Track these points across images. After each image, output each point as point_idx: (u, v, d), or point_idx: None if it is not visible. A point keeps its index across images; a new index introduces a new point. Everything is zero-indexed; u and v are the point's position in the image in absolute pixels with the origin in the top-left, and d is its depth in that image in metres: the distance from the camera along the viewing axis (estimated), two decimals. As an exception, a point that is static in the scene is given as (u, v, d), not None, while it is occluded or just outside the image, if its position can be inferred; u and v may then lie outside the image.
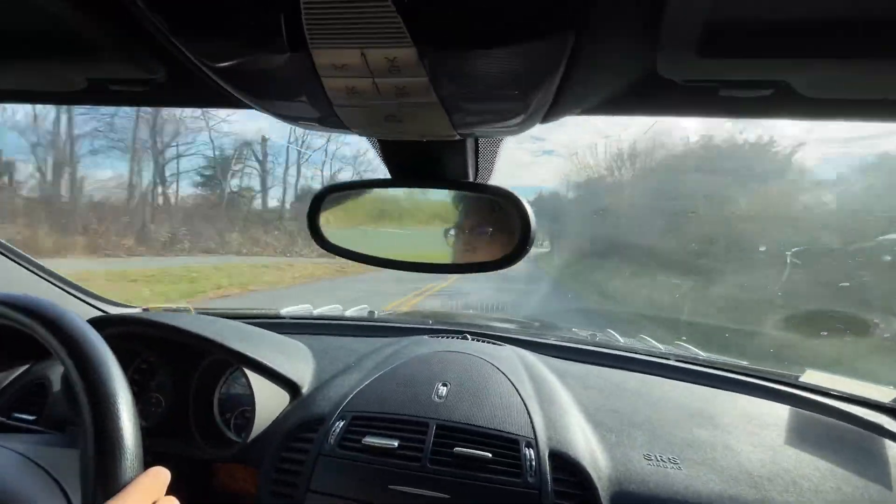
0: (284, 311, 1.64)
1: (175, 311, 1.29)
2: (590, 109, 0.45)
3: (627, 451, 0.83)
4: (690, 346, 1.46)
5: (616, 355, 1.27)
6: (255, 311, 1.59)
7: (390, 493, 0.75)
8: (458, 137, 0.46)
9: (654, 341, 1.51)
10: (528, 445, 0.79)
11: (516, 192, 0.49)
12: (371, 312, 1.73)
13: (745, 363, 1.25)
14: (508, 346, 1.24)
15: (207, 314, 1.26)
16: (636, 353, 1.29)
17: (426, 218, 0.57)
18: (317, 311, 1.70)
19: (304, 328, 1.45)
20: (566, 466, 0.77)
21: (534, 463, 0.77)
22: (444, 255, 0.55)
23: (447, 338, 1.28)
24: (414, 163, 0.54)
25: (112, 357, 0.58)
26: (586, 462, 0.78)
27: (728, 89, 0.36)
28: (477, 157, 0.54)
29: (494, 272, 0.50)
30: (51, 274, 1.06)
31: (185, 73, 0.43)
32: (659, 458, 0.81)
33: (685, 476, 0.78)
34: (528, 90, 0.35)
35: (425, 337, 1.29)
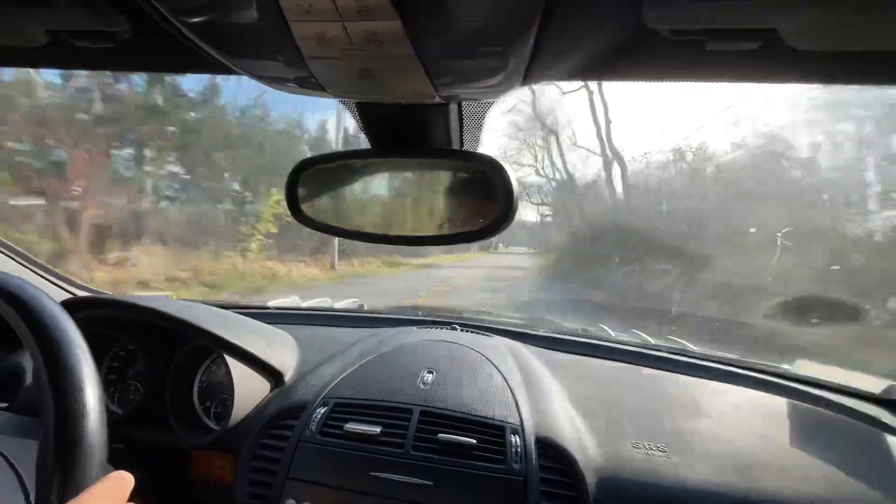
0: (272, 302, 1.62)
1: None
2: (573, 71, 0.43)
3: (616, 439, 0.81)
4: (682, 341, 1.45)
5: (607, 347, 1.25)
6: (239, 302, 1.56)
7: (372, 479, 0.72)
8: (438, 100, 0.44)
9: (646, 336, 1.50)
10: (514, 432, 0.77)
11: (501, 160, 0.47)
12: (361, 305, 1.71)
13: (736, 356, 1.24)
14: (498, 337, 1.22)
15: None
16: (627, 345, 1.28)
17: (408, 189, 0.55)
18: (305, 304, 1.68)
19: (290, 319, 1.43)
20: (553, 453, 0.75)
21: (519, 450, 0.75)
22: (426, 227, 0.53)
23: (436, 329, 1.26)
24: (395, 130, 0.52)
25: (83, 343, 0.54)
26: (573, 449, 0.76)
27: (716, 41, 0.34)
28: (462, 124, 0.53)
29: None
30: (19, 254, 1.03)
31: (152, 28, 0.41)
32: (647, 447, 0.80)
33: (673, 464, 0.76)
34: (506, 37, 0.33)
35: (413, 328, 1.27)
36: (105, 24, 0.40)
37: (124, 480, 0.43)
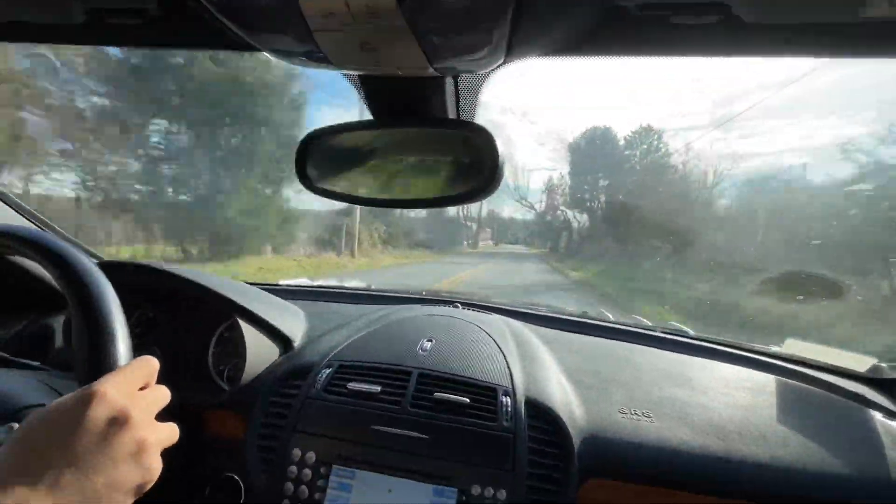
0: (283, 281, 1.69)
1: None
2: (553, 49, 0.47)
3: (603, 405, 0.86)
4: (682, 326, 1.48)
5: (604, 326, 1.29)
6: (254, 280, 1.64)
7: (371, 432, 0.78)
8: (431, 71, 0.49)
9: (646, 321, 1.53)
10: (506, 394, 0.82)
11: (488, 128, 0.52)
12: (369, 285, 1.78)
13: (731, 339, 1.27)
14: (497, 315, 1.26)
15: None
16: (626, 326, 1.32)
17: (406, 157, 0.60)
18: (315, 282, 1.75)
19: (300, 295, 1.49)
20: (541, 415, 0.80)
21: (510, 409, 0.80)
22: (422, 191, 0.58)
23: (439, 306, 1.31)
24: (395, 102, 0.57)
25: (114, 294, 0.61)
26: (561, 411, 0.81)
27: (678, 15, 0.38)
28: (458, 97, 0.57)
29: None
30: (41, 221, 1.11)
31: (178, 6, 0.46)
32: (633, 412, 0.84)
33: (656, 427, 0.80)
34: (486, 14, 0.38)
35: (417, 305, 1.33)
36: (136, 1, 0.46)
37: (153, 361, 0.50)
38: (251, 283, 1.48)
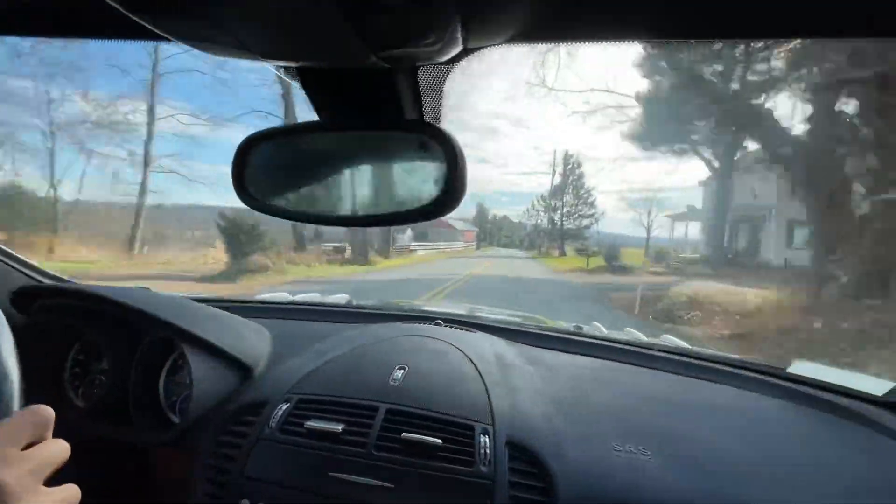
0: (259, 296, 1.58)
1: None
2: (520, 33, 0.38)
3: (596, 441, 0.76)
4: (675, 339, 1.40)
5: (595, 344, 1.20)
6: (223, 296, 1.53)
7: (330, 480, 0.68)
8: (374, 60, 0.40)
9: (639, 334, 1.45)
10: (484, 433, 0.73)
11: (447, 130, 0.43)
12: (349, 301, 1.67)
13: (733, 356, 1.19)
14: (481, 333, 1.17)
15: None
16: (617, 342, 1.23)
17: (358, 165, 0.51)
18: (292, 298, 1.64)
19: (273, 312, 1.39)
20: (524, 456, 0.71)
21: (488, 451, 0.70)
22: (377, 206, 0.49)
23: (418, 324, 1.22)
24: (343, 100, 0.48)
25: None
26: (547, 452, 0.71)
27: None
28: (419, 95, 0.48)
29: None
30: None
31: None
32: (629, 449, 0.74)
33: (656, 468, 0.71)
34: None
35: (397, 323, 1.23)
36: None
37: (45, 412, 0.41)
38: (221, 301, 1.38)
